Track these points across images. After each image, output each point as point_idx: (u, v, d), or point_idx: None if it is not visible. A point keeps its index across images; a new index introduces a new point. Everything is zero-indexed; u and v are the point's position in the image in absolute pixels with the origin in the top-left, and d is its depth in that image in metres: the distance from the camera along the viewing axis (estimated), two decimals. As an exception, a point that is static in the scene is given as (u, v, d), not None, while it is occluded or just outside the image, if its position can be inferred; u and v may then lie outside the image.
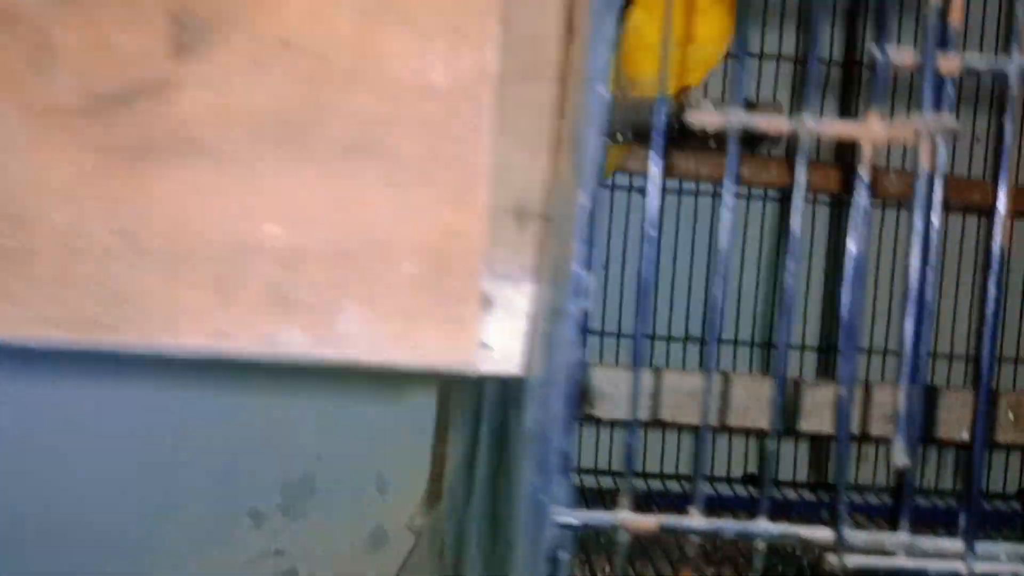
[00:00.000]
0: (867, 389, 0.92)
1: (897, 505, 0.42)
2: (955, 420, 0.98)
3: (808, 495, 1.45)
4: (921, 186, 0.39)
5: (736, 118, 0.42)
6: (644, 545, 1.18)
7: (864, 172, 0.41)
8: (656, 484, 1.43)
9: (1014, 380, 1.48)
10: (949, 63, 0.40)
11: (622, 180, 1.43)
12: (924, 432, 0.95)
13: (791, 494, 1.44)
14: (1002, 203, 0.41)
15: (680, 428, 1.37)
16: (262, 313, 0.47)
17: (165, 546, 1.44)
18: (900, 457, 0.39)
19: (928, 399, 1.04)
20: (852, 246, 0.43)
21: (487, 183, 0.47)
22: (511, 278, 0.53)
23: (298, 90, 0.48)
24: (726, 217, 0.40)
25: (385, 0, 0.48)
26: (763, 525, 0.44)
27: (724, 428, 1.17)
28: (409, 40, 0.48)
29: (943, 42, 0.40)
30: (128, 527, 1.43)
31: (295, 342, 0.46)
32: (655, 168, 0.41)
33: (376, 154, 0.47)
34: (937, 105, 0.39)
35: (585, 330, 0.41)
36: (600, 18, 0.40)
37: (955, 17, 0.41)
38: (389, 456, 1.50)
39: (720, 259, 0.40)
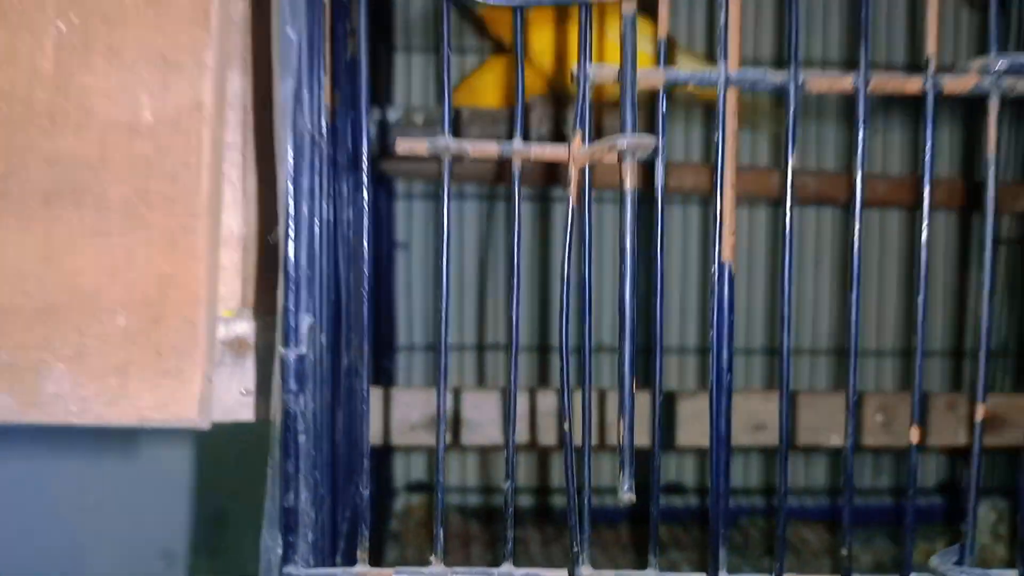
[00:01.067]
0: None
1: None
2: (820, 425, 0.99)
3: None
4: (627, 202, 0.39)
5: (443, 143, 0.41)
6: None
7: (573, 192, 0.41)
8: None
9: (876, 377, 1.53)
10: (653, 79, 0.40)
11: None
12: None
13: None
14: (858, 200, 0.42)
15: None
16: (-34, 379, 0.43)
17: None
18: (626, 494, 0.38)
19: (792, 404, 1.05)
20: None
21: (209, 223, 0.45)
22: (253, 319, 0.50)
23: (-4, 135, 0.44)
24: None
25: (89, 34, 0.45)
26: (506, 568, 0.42)
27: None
28: (115, 75, 0.45)
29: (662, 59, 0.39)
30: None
31: (2, 406, 0.42)
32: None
33: (81, 200, 0.43)
34: (664, 124, 0.39)
35: (302, 377, 0.39)
36: (286, 51, 0.38)
37: (661, 31, 0.41)
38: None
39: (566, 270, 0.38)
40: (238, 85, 0.50)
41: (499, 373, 1.51)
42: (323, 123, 0.46)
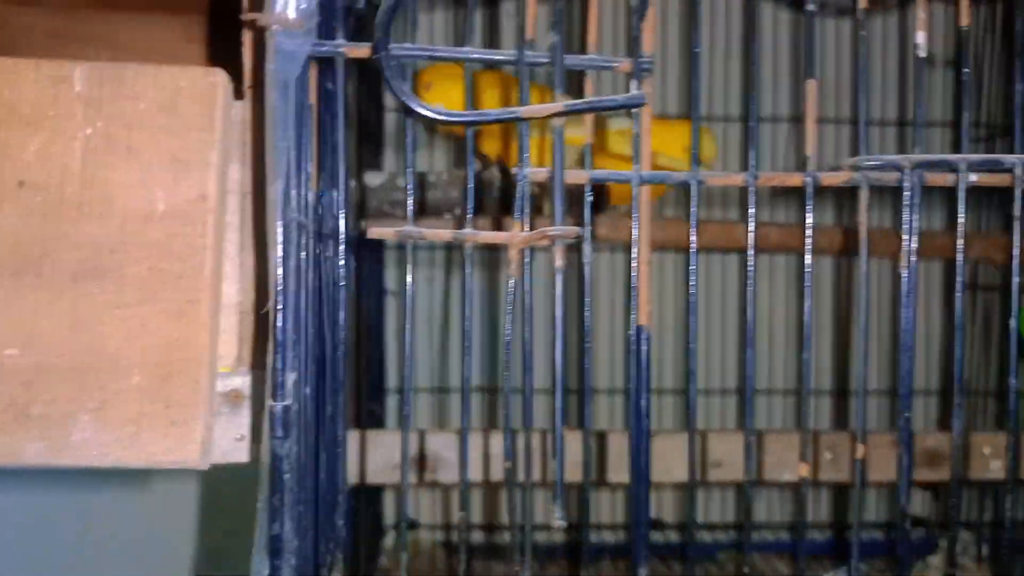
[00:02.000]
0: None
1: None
2: (777, 462, 1.07)
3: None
4: (557, 279, 0.47)
5: (408, 231, 0.50)
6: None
7: (514, 270, 0.49)
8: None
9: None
10: (579, 178, 0.49)
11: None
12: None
13: (609, 537, 1.55)
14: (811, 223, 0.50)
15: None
16: (5, 428, 0.51)
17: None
18: (558, 521, 0.46)
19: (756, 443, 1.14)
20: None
21: (211, 295, 0.53)
22: (251, 374, 0.58)
23: (32, 223, 0.53)
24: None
25: (111, 137, 0.54)
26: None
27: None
28: (133, 172, 0.53)
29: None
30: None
31: (36, 452, 0.50)
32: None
33: (104, 277, 0.52)
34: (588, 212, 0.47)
35: (287, 425, 0.47)
36: (278, 159, 0.46)
37: (587, 136, 0.50)
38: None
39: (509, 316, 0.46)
40: (237, 174, 0.59)
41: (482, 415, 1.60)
42: (308, 207, 0.55)
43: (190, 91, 0.54)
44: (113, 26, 0.93)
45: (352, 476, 1.01)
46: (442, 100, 1.13)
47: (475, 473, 1.02)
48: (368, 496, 1.34)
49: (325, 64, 0.56)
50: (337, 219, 0.82)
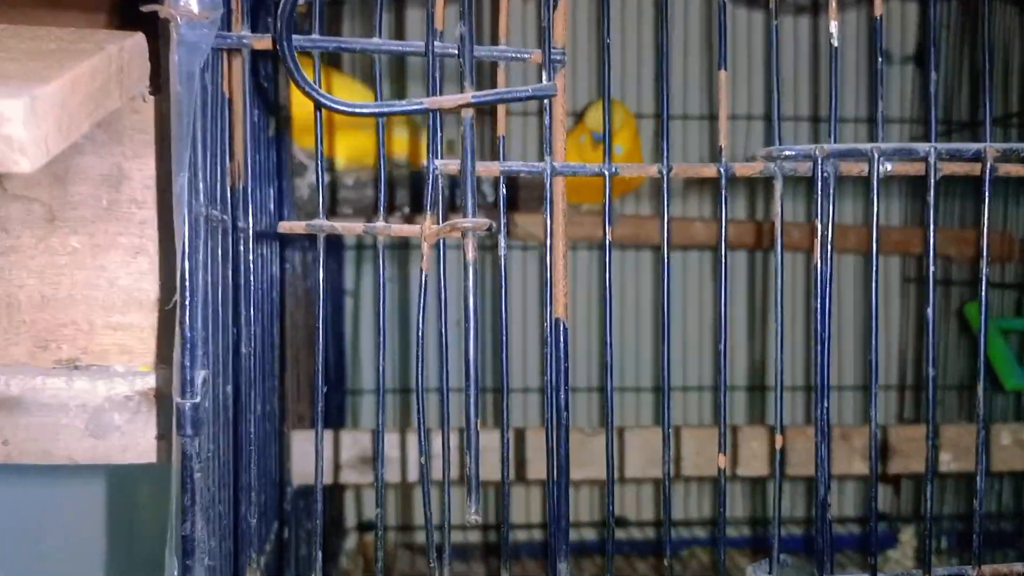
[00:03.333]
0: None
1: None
2: (704, 461, 1.08)
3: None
4: (469, 271, 0.47)
5: (318, 224, 0.49)
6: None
7: (424, 263, 0.48)
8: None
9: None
10: (492, 168, 0.48)
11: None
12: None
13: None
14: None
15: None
16: None
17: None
18: (473, 516, 0.46)
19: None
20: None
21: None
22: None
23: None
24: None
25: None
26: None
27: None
28: None
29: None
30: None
31: None
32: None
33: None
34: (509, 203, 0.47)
35: (197, 423, 0.46)
36: (179, 153, 0.45)
37: (500, 128, 0.50)
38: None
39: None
40: (153, 168, 0.58)
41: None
42: (224, 200, 0.54)
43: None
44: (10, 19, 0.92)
45: (305, 476, 1.00)
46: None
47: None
48: (327, 496, 1.33)
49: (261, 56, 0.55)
50: (272, 216, 0.82)
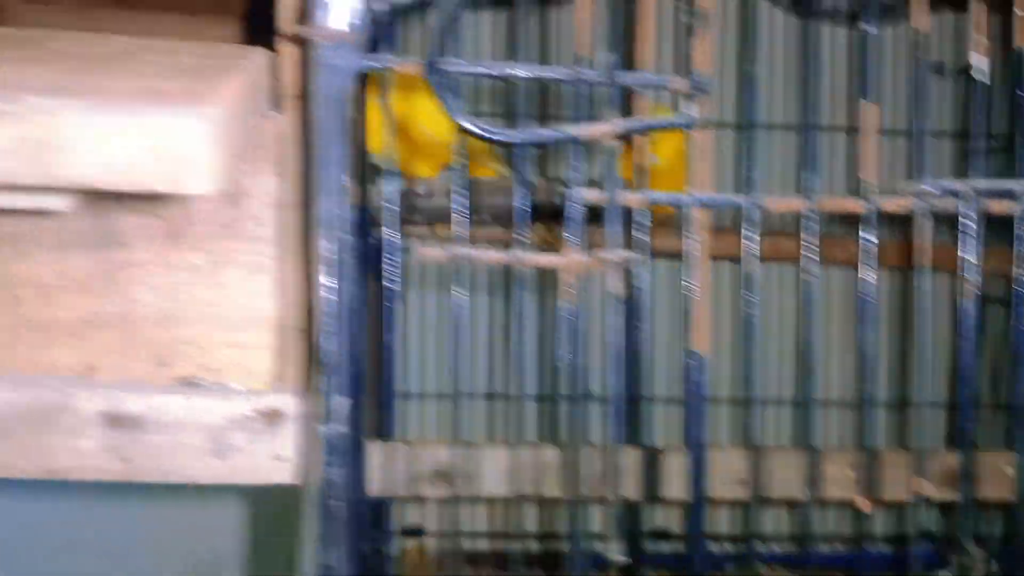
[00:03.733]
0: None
1: None
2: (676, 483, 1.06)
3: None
4: (614, 305, 0.46)
5: (459, 253, 0.48)
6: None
7: (569, 294, 0.48)
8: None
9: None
10: (637, 199, 0.48)
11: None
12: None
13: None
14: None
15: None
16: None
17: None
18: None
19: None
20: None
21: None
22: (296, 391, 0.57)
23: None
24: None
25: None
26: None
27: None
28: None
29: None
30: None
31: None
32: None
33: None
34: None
35: (337, 451, 0.45)
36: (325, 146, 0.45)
37: (642, 157, 0.49)
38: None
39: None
40: (272, 186, 0.57)
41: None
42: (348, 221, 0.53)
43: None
44: (130, 24, 0.92)
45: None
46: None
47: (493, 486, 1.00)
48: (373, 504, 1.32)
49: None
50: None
